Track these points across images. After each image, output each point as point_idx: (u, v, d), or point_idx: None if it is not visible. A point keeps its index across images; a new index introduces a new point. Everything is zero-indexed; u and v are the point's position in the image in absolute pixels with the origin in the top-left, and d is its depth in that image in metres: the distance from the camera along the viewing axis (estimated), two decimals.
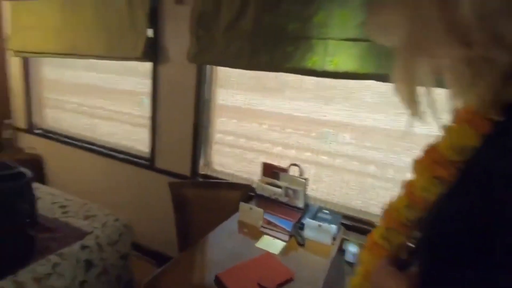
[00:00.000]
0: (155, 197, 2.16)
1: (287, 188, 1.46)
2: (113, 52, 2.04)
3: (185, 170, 1.99)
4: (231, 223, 1.35)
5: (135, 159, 2.25)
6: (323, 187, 1.66)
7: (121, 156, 2.33)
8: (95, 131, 2.53)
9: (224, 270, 1.00)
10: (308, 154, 1.68)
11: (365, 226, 1.49)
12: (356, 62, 1.24)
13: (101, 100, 2.44)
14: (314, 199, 1.66)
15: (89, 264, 1.37)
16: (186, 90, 1.88)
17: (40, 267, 1.19)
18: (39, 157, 2.77)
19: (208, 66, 1.84)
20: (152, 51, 1.92)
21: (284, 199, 1.47)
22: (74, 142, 2.60)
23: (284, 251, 1.18)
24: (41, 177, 2.78)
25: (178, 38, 1.85)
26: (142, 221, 2.26)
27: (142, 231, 2.27)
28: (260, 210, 1.31)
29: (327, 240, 1.23)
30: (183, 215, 1.68)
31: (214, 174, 1.97)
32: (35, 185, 1.94)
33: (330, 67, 1.29)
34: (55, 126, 2.75)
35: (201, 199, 1.65)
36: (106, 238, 1.48)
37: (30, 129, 2.79)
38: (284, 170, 1.54)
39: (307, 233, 1.25)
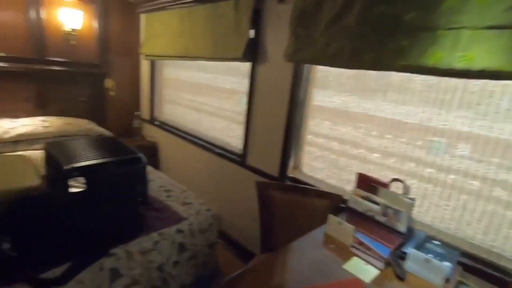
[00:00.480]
0: (244, 193, 2.24)
1: (386, 206, 1.25)
2: (218, 54, 2.20)
3: (274, 170, 1.98)
4: (317, 234, 1.25)
5: (229, 155, 2.38)
6: (433, 210, 1.37)
7: (218, 150, 2.50)
8: (200, 125, 2.81)
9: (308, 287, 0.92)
10: (412, 165, 1.42)
11: (494, 272, 1.14)
12: (502, 57, 0.94)
13: (207, 97, 2.68)
14: (420, 224, 1.38)
15: (182, 247, 1.50)
16: (281, 89, 1.86)
17: (145, 242, 1.37)
18: (156, 145, 3.28)
19: (305, 66, 1.76)
20: (252, 52, 1.97)
21: (381, 219, 1.27)
22: (182, 134, 2.95)
23: (377, 280, 1.00)
24: (155, 162, 3.29)
25: (277, 38, 1.85)
26: (230, 213, 2.38)
27: (229, 222, 2.39)
28: (351, 227, 1.16)
29: (437, 280, 0.98)
30: (268, 216, 1.67)
31: (303, 178, 1.89)
32: (149, 169, 2.28)
33: (460, 64, 1.02)
34: (169, 118, 3.19)
35: (287, 203, 1.60)
36: (197, 225, 1.60)
37: (151, 120, 3.33)
38: (385, 185, 1.33)
39: (410, 265, 1.04)
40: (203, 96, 2.73)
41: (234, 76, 2.35)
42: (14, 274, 1.07)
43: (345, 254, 1.12)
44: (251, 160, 2.17)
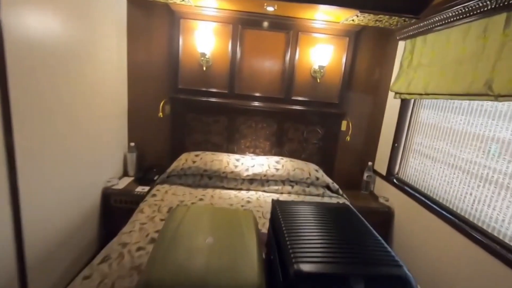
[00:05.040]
0: None
1: None
2: None
3: None
4: None
5: None
6: None
7: (501, 250, 1.28)
8: (460, 195, 1.70)
9: None
10: None
11: None
12: None
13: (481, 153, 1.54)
14: None
15: None
16: None
17: None
18: (391, 210, 2.41)
19: None
20: None
21: None
22: (429, 203, 1.97)
23: None
24: (385, 233, 2.42)
25: None
26: None
27: None
28: None
29: None
30: None
31: None
32: None
33: None
34: (416, 179, 2.24)
35: None
36: None
37: (388, 176, 2.51)
38: None
39: None
40: (475, 151, 1.59)
41: None
42: None
43: None
44: None
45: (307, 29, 2.49)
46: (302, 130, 2.70)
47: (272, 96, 2.62)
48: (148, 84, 2.57)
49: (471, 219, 1.68)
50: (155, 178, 2.46)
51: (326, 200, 2.29)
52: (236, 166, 2.37)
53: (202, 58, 2.46)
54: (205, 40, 2.38)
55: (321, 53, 2.45)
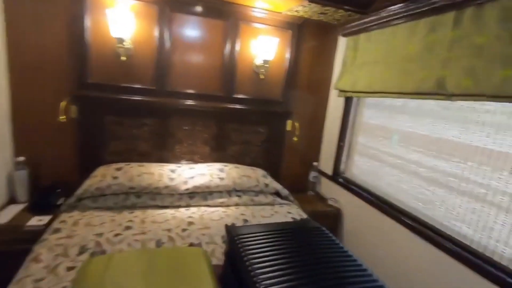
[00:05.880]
0: None
1: None
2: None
3: None
4: None
5: (488, 266, 1.17)
6: None
7: (455, 248, 1.38)
8: (408, 195, 1.76)
9: None
10: None
11: None
12: None
13: (438, 159, 1.58)
14: None
15: None
16: None
17: None
18: (339, 212, 2.35)
19: None
20: None
21: None
22: (378, 202, 1.96)
23: None
24: (335, 234, 2.35)
25: None
26: None
27: None
28: None
29: None
30: None
31: None
32: None
33: None
34: (360, 177, 2.22)
35: None
36: None
37: (334, 176, 2.45)
38: None
39: None
40: (428, 157, 1.63)
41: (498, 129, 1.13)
42: None
43: None
44: None
45: (248, 18, 2.22)
46: (245, 131, 2.42)
47: (211, 94, 2.27)
48: (42, 78, 1.91)
49: (424, 219, 1.67)
50: (60, 202, 1.86)
51: (276, 208, 2.08)
52: (171, 179, 1.95)
53: (120, 46, 1.94)
54: (121, 22, 1.87)
55: (265, 46, 2.20)
